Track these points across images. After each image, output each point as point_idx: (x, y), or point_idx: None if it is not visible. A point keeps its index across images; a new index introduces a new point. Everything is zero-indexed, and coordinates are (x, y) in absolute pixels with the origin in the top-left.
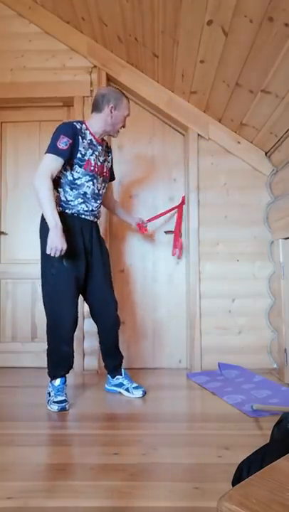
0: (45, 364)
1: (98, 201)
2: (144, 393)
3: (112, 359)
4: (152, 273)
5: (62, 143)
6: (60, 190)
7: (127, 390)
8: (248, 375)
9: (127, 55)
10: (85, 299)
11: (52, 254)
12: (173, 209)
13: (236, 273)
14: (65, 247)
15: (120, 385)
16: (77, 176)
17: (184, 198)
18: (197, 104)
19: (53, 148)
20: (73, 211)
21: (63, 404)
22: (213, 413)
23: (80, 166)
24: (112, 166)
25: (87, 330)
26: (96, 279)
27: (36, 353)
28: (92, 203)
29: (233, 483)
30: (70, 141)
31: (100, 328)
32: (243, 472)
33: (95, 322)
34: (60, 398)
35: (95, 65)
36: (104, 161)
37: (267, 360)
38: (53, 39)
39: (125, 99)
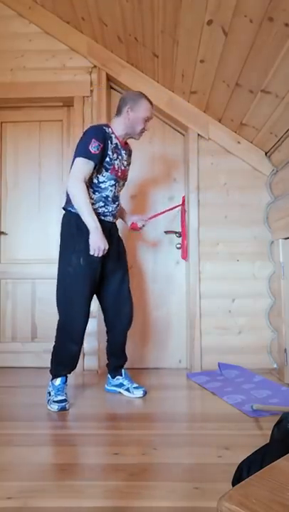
0: (45, 364)
1: (116, 203)
2: (145, 393)
3: (117, 359)
4: (152, 273)
5: (94, 147)
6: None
7: (127, 390)
8: (248, 375)
9: (127, 55)
10: (99, 299)
11: (96, 255)
12: (175, 207)
13: (236, 273)
14: (107, 246)
15: (120, 385)
16: (103, 179)
17: (184, 198)
18: (197, 104)
19: (84, 152)
20: (95, 212)
21: (63, 403)
22: (213, 413)
23: (107, 170)
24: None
25: (87, 330)
26: (112, 281)
27: (36, 353)
28: (112, 205)
29: (233, 483)
30: (102, 145)
31: (110, 327)
32: (243, 472)
33: (106, 321)
34: (60, 398)
35: (95, 65)
36: (127, 164)
37: (267, 360)
38: (53, 39)
39: (144, 100)
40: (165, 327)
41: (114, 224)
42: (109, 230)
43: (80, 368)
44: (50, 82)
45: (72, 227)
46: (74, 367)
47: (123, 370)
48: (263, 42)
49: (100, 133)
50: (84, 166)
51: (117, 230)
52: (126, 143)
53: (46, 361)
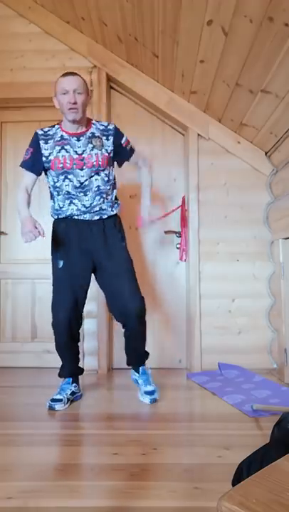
0: (45, 364)
1: (89, 193)
2: (152, 401)
3: (128, 356)
4: (152, 273)
5: (26, 154)
6: (54, 199)
7: (140, 389)
8: (248, 375)
9: (127, 55)
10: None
11: (28, 241)
12: (177, 209)
13: (236, 273)
14: (33, 231)
15: (136, 381)
16: (56, 178)
17: (184, 198)
18: (197, 104)
19: (21, 162)
20: (67, 214)
21: (53, 403)
22: (213, 413)
23: (50, 168)
24: (116, 148)
25: (87, 330)
26: (110, 282)
27: (36, 353)
28: (82, 197)
29: (233, 483)
30: (31, 149)
31: (121, 324)
32: (243, 472)
33: (116, 320)
34: (56, 397)
35: (95, 65)
36: (90, 149)
37: (267, 360)
38: (53, 39)
39: (60, 77)
40: (165, 327)
41: (96, 222)
42: (88, 231)
43: None
44: (50, 82)
45: (52, 233)
46: (70, 368)
47: (140, 368)
48: (263, 42)
49: (32, 139)
50: (23, 176)
51: (104, 228)
52: (88, 127)
53: (46, 361)
